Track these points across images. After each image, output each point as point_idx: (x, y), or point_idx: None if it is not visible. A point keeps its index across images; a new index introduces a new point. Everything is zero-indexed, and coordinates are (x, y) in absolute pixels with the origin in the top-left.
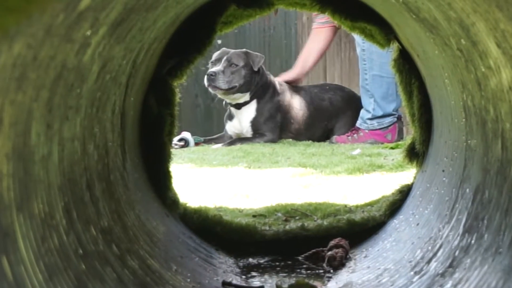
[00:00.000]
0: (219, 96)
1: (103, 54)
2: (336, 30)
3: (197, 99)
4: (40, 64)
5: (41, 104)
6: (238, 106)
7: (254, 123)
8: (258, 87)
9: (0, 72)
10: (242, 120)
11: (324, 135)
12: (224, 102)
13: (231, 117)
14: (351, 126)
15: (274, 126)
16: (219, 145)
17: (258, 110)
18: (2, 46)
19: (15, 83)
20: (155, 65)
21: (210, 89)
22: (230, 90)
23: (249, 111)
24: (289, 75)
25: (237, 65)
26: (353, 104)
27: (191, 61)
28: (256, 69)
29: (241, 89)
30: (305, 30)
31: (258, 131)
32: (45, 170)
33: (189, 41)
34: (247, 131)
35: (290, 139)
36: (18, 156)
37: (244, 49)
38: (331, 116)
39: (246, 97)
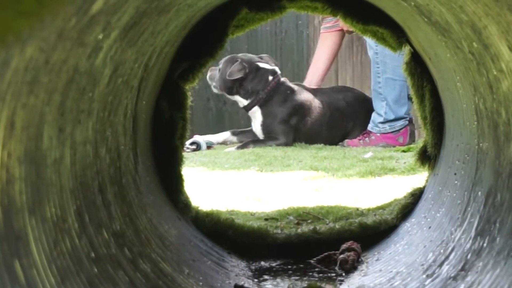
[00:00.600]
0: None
1: (115, 58)
2: (343, 33)
3: (208, 103)
4: (52, 67)
5: (53, 108)
6: (245, 109)
7: (265, 127)
8: (257, 93)
9: (12, 76)
10: (255, 122)
11: (341, 138)
12: None
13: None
14: (364, 129)
15: (288, 130)
16: (232, 148)
17: (265, 115)
18: (14, 50)
19: (27, 87)
20: (167, 68)
21: None
22: (216, 87)
23: (257, 116)
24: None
25: (215, 68)
26: (366, 107)
27: (203, 65)
28: (231, 78)
29: (221, 89)
30: (317, 33)
31: (270, 134)
32: (57, 173)
33: (201, 45)
34: (259, 134)
35: (303, 142)
36: (30, 159)
37: (239, 56)
38: (347, 120)
39: (241, 101)
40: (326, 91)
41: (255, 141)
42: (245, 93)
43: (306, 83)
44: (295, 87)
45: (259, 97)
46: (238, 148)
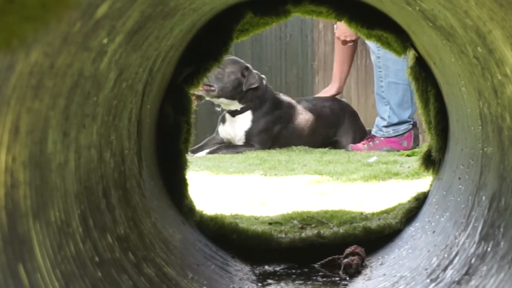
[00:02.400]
0: (206, 97)
1: (120, 62)
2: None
3: (213, 107)
4: (57, 72)
5: (58, 112)
6: (232, 114)
7: (249, 133)
8: (254, 99)
9: (17, 80)
10: (236, 127)
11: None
12: (220, 108)
13: (224, 120)
14: (352, 135)
15: (267, 138)
16: (203, 152)
17: (254, 121)
18: (19, 54)
19: (32, 91)
20: (171, 72)
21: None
22: (209, 91)
23: (245, 121)
24: (330, 91)
25: (223, 68)
26: (348, 114)
27: (207, 69)
28: (245, 89)
29: (222, 94)
30: (322, 38)
31: (250, 141)
32: (61, 178)
33: (205, 49)
34: (240, 139)
35: (307, 147)
36: (34, 164)
37: (248, 65)
38: (331, 126)
39: (235, 105)
40: (313, 101)
41: (228, 147)
42: (241, 98)
43: (332, 90)
44: (280, 95)
45: (255, 103)
46: (210, 152)
